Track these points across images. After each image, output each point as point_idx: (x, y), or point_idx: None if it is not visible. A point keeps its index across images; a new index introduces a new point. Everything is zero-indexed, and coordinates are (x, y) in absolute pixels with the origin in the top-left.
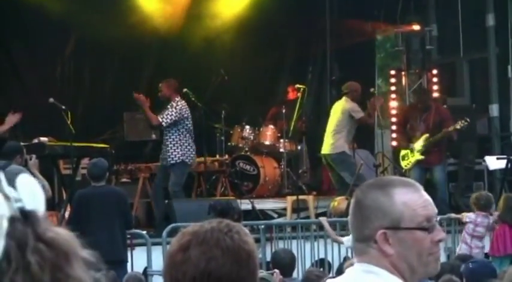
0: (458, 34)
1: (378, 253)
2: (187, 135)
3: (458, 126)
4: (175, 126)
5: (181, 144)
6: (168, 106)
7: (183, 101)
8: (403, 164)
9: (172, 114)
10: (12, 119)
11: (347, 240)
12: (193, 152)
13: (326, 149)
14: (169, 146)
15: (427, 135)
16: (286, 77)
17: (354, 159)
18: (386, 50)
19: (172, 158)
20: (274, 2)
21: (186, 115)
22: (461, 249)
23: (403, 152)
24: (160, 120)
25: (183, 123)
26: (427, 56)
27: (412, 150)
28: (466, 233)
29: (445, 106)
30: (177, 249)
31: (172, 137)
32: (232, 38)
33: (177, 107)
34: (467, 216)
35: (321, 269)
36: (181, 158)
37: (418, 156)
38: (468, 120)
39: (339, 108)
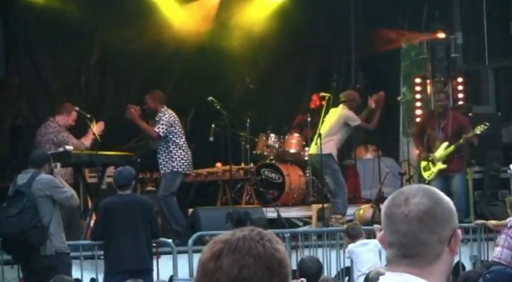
0: (483, 42)
1: (447, 254)
2: (177, 144)
3: (478, 131)
4: (165, 136)
5: (172, 155)
6: (157, 118)
7: (170, 110)
8: (425, 175)
9: (165, 123)
10: (97, 128)
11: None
12: (187, 161)
13: (312, 149)
14: (159, 156)
15: (446, 143)
16: (311, 85)
17: (338, 166)
18: (411, 58)
19: (163, 168)
20: (299, 10)
21: (173, 123)
22: (502, 254)
23: (423, 164)
24: (157, 130)
25: (172, 133)
26: (452, 64)
27: (433, 161)
28: (510, 238)
29: (469, 114)
30: (209, 258)
31: (162, 148)
32: (257, 47)
33: (166, 116)
34: (511, 220)
35: (347, 277)
36: (170, 168)
37: (440, 166)
38: (487, 124)
39: (335, 115)
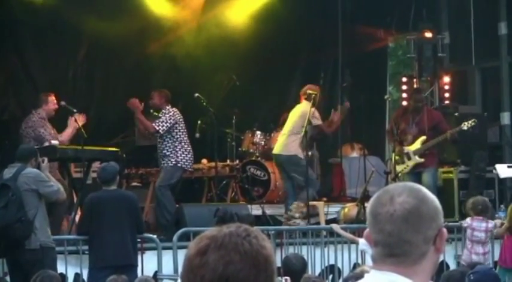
0: (471, 42)
1: (433, 253)
2: (182, 141)
3: (465, 127)
4: (169, 133)
5: (176, 151)
6: (160, 114)
7: (174, 108)
8: (399, 168)
9: (167, 121)
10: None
11: (362, 243)
12: (190, 158)
13: (278, 149)
14: (164, 152)
15: (424, 137)
16: (297, 83)
17: (305, 163)
18: (398, 57)
19: (165, 161)
20: (287, 8)
21: (178, 121)
22: (463, 254)
23: (397, 157)
24: (157, 127)
25: (176, 130)
26: (439, 63)
27: (407, 154)
28: (467, 239)
29: (455, 114)
30: (195, 253)
31: (167, 144)
32: (244, 44)
33: (170, 114)
34: (465, 221)
35: (331, 275)
36: (174, 162)
37: (417, 160)
38: (476, 120)
39: (298, 111)
